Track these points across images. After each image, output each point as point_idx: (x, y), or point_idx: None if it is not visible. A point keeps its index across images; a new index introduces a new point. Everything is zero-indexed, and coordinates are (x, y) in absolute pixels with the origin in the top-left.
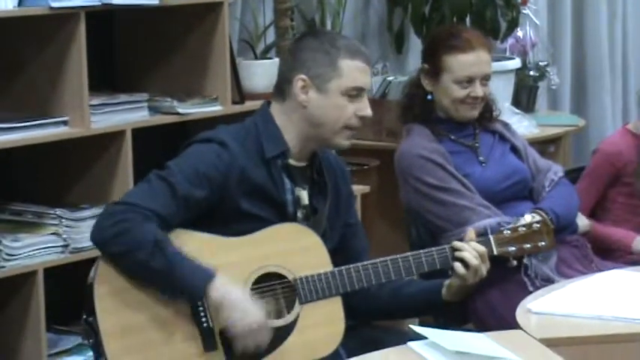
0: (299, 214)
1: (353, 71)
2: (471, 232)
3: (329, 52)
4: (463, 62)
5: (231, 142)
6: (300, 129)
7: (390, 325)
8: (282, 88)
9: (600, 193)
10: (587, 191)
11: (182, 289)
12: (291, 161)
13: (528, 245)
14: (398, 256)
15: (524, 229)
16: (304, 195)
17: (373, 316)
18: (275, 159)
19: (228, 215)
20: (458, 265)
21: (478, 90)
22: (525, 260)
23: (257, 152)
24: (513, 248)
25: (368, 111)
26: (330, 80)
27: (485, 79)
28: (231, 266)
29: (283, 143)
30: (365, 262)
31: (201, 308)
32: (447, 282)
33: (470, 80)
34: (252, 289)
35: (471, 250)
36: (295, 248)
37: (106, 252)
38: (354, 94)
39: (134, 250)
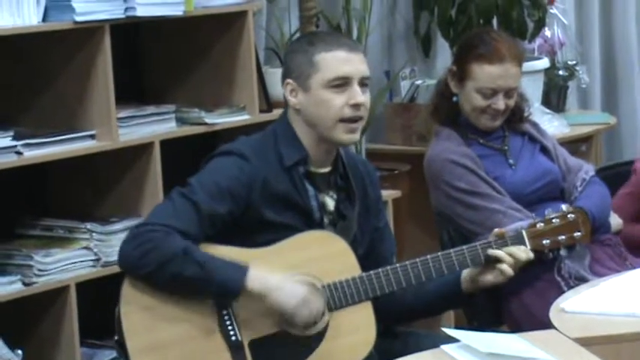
0: (325, 220)
1: (330, 62)
2: (499, 230)
3: (306, 50)
4: (489, 73)
5: (252, 153)
6: (307, 132)
7: (424, 329)
8: (283, 97)
9: None
10: (629, 206)
11: (220, 291)
12: (313, 168)
13: (563, 237)
14: (428, 256)
15: (557, 220)
16: (329, 201)
17: (398, 319)
18: (296, 166)
19: (253, 226)
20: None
21: (500, 103)
22: (561, 253)
23: (277, 161)
24: (547, 241)
25: (358, 98)
26: (311, 77)
27: (511, 92)
28: None
29: (302, 150)
30: (394, 265)
31: (228, 322)
32: (464, 273)
33: (493, 92)
34: None
35: (508, 259)
36: (323, 255)
37: (137, 275)
38: (337, 84)
39: (164, 265)
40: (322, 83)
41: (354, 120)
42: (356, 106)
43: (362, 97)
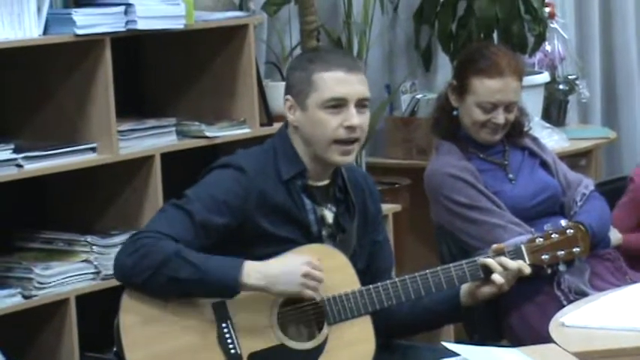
0: (324, 233)
1: (327, 83)
2: (498, 245)
3: (305, 68)
4: (489, 88)
5: (249, 166)
6: (305, 148)
7: (424, 343)
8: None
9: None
10: (627, 218)
11: (218, 290)
12: (311, 181)
13: (562, 252)
14: (427, 271)
15: (557, 235)
16: (328, 214)
17: (396, 333)
18: (293, 180)
19: (251, 239)
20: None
21: (500, 117)
22: (560, 268)
23: (275, 175)
24: (547, 256)
25: (353, 120)
26: (308, 96)
27: (510, 106)
28: None
29: (300, 164)
30: (394, 280)
31: (227, 335)
32: (463, 287)
33: (493, 106)
34: (280, 312)
35: (498, 268)
36: (322, 269)
37: (132, 284)
38: (332, 105)
39: (158, 270)
40: (318, 103)
41: (348, 142)
42: (351, 128)
43: (357, 119)
